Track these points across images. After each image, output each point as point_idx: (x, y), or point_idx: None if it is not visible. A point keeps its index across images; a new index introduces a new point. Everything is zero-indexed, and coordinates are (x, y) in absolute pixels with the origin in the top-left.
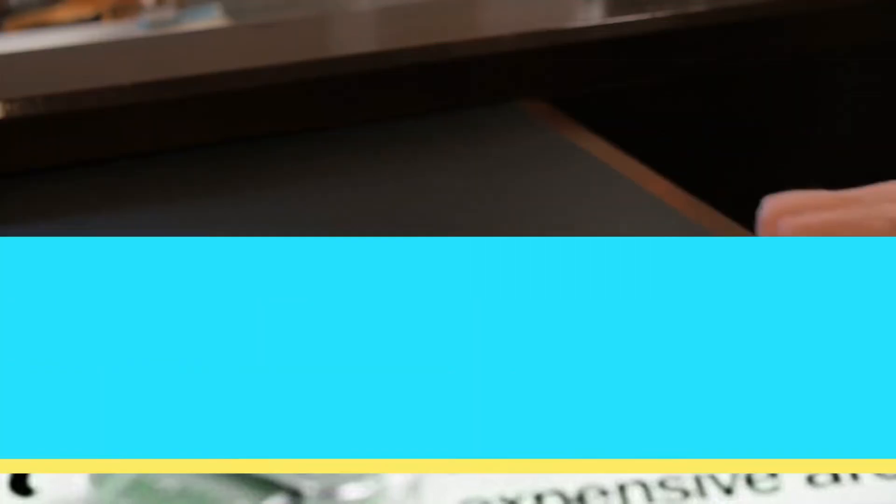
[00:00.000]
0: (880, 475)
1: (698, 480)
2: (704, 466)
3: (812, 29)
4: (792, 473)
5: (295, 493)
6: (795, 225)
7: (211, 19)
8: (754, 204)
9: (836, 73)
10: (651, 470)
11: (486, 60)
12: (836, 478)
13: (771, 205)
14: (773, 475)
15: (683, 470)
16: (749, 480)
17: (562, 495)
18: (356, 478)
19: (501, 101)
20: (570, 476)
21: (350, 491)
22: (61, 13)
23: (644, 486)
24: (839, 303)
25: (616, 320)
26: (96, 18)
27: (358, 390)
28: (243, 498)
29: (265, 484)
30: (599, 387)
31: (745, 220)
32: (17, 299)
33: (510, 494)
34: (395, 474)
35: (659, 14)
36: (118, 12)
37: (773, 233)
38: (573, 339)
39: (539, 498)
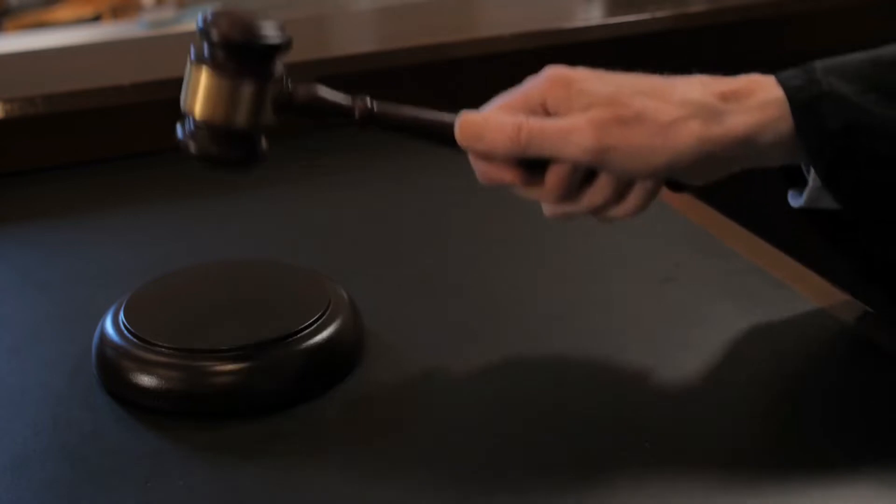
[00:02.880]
0: None
1: None
2: None
3: (812, 29)
4: None
5: None
6: None
7: None
8: (754, 204)
9: None
10: None
11: (486, 60)
12: None
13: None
14: None
15: None
16: None
17: None
18: None
19: None
20: None
21: None
22: (61, 13)
23: None
24: None
25: None
26: (96, 18)
27: None
28: None
29: None
30: None
31: (745, 221)
32: None
33: None
34: None
35: (659, 14)
36: (118, 12)
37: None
38: None
39: None
